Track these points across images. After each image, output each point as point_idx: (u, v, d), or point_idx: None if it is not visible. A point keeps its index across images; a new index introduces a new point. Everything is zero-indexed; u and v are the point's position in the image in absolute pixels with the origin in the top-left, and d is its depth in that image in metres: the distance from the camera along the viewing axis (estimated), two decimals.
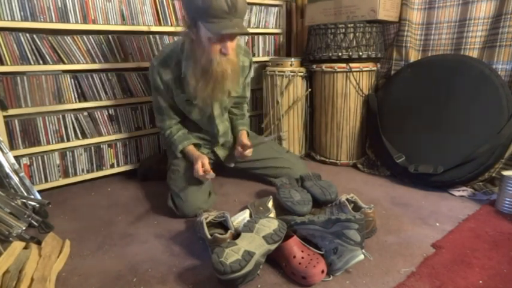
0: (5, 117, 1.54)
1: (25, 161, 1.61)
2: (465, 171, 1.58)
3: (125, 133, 1.88)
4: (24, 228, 1.22)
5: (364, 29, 1.91)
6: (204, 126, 1.63)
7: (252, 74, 1.69)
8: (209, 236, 1.13)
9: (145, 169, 1.86)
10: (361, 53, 1.92)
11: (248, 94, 1.73)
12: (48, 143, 1.66)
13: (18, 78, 1.55)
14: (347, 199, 1.30)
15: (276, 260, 1.09)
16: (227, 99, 1.57)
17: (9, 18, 1.48)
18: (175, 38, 1.96)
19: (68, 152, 1.71)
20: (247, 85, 1.70)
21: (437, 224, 1.34)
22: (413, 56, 2.01)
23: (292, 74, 2.02)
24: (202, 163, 1.39)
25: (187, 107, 1.52)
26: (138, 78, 1.87)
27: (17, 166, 1.48)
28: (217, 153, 1.68)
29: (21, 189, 1.47)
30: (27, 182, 1.49)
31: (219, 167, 1.71)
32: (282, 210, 1.39)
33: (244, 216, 1.30)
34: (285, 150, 1.80)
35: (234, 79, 1.41)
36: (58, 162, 1.70)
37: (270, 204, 1.41)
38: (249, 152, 1.52)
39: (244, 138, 1.60)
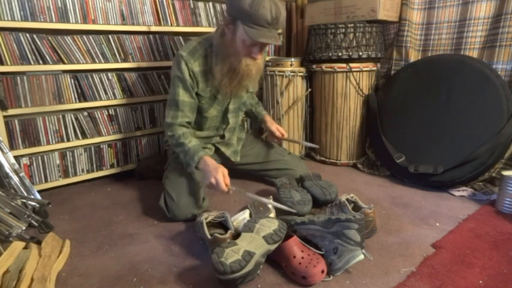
0: (5, 117, 1.54)
1: (25, 161, 1.61)
2: (465, 171, 1.58)
3: (125, 133, 1.87)
4: (24, 228, 1.22)
5: (364, 29, 1.91)
6: (214, 122, 1.61)
7: None
8: (209, 236, 1.13)
9: (142, 168, 1.86)
10: (361, 53, 1.92)
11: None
12: (48, 143, 1.66)
13: (18, 78, 1.55)
14: (347, 199, 1.30)
15: (276, 260, 1.09)
16: (245, 94, 1.64)
17: (9, 18, 1.48)
18: (175, 38, 1.96)
19: (68, 152, 1.71)
20: None
21: (437, 224, 1.34)
22: (413, 56, 2.01)
23: (292, 74, 2.02)
24: (224, 175, 1.31)
25: (209, 101, 1.52)
26: (138, 78, 1.88)
27: (17, 166, 1.48)
28: (221, 152, 1.67)
29: (21, 189, 1.47)
30: (27, 182, 1.49)
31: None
32: (282, 210, 1.39)
33: (244, 216, 1.30)
34: (287, 152, 1.80)
35: (256, 79, 1.48)
36: (58, 162, 1.70)
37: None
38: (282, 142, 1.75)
39: (275, 128, 1.70)
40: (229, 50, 1.36)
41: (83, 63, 1.69)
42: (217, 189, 1.31)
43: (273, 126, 1.70)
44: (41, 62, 1.59)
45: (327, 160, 2.11)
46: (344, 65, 1.92)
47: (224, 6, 2.10)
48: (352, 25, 1.90)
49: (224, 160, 1.71)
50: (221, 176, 1.30)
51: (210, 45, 1.44)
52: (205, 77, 1.46)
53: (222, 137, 1.66)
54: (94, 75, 1.74)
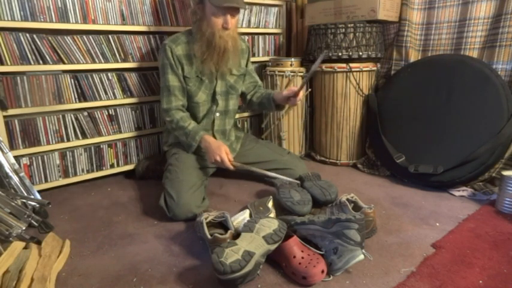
0: (5, 117, 1.54)
1: (25, 161, 1.60)
2: (465, 171, 1.58)
3: (125, 133, 1.87)
4: (24, 228, 1.22)
5: (364, 29, 1.91)
6: (207, 109, 1.65)
7: (251, 63, 1.81)
8: (209, 236, 1.13)
9: (142, 168, 1.86)
10: (361, 53, 1.92)
11: (258, 79, 1.84)
12: (48, 143, 1.66)
13: (18, 78, 1.55)
14: (347, 199, 1.30)
15: (276, 260, 1.09)
16: (231, 78, 1.66)
17: (9, 18, 1.48)
18: None
19: (68, 152, 1.71)
20: (253, 71, 1.81)
21: (437, 224, 1.34)
22: (413, 56, 2.01)
23: (292, 74, 2.02)
24: (226, 152, 1.44)
25: (196, 83, 1.59)
26: (138, 78, 1.87)
27: (17, 166, 1.48)
28: None
29: (21, 189, 1.47)
30: (27, 182, 1.49)
31: (219, 168, 1.71)
32: (282, 210, 1.39)
33: (244, 216, 1.30)
34: (286, 152, 1.80)
35: (235, 55, 1.57)
36: (58, 162, 1.70)
37: (270, 204, 1.41)
38: (301, 97, 1.60)
39: (286, 94, 1.57)
40: (204, 28, 1.49)
41: (83, 63, 1.69)
42: (223, 167, 1.47)
43: (283, 94, 1.58)
44: (41, 62, 1.59)
45: (327, 160, 2.11)
46: (344, 65, 1.92)
47: None
48: (352, 25, 1.90)
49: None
50: (224, 153, 1.44)
51: (191, 33, 1.59)
52: (189, 61, 1.57)
53: (213, 121, 1.68)
54: (94, 75, 1.74)
